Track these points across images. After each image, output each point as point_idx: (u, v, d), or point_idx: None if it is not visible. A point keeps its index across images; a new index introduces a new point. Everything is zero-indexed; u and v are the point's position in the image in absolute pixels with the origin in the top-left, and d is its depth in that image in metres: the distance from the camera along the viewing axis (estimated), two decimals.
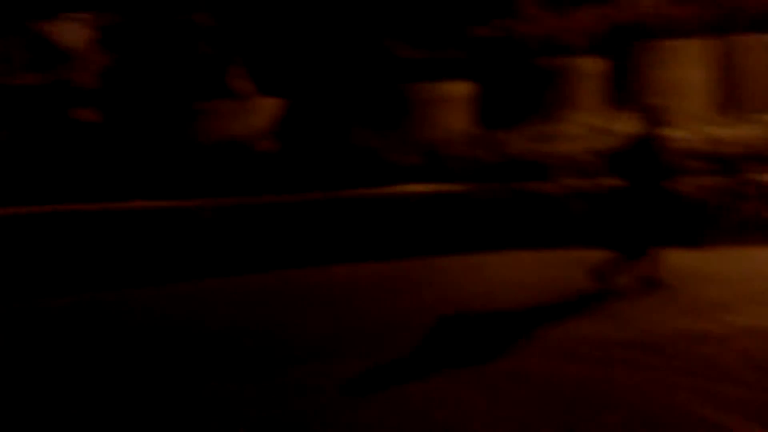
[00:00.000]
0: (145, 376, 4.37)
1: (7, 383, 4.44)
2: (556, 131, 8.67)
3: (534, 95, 10.47)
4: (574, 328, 4.92)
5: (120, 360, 4.76)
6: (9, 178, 8.47)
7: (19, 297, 6.74)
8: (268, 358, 4.63)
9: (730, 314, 5.15)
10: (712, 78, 11.14)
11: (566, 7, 11.07)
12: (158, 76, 10.13)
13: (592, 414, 3.47)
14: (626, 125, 8.79)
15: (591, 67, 10.80)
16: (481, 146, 8.50)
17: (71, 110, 9.88)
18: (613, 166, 7.88)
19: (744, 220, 8.05)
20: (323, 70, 10.73)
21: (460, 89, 10.35)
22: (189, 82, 10.07)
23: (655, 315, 5.21)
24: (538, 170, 7.96)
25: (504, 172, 8.00)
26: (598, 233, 7.82)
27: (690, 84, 10.82)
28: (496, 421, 3.40)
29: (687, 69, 10.94)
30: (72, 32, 10.79)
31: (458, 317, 5.25)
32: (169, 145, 8.96)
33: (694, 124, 8.39)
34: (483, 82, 10.70)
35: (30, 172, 8.60)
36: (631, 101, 10.13)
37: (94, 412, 3.83)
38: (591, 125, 8.80)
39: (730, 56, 11.19)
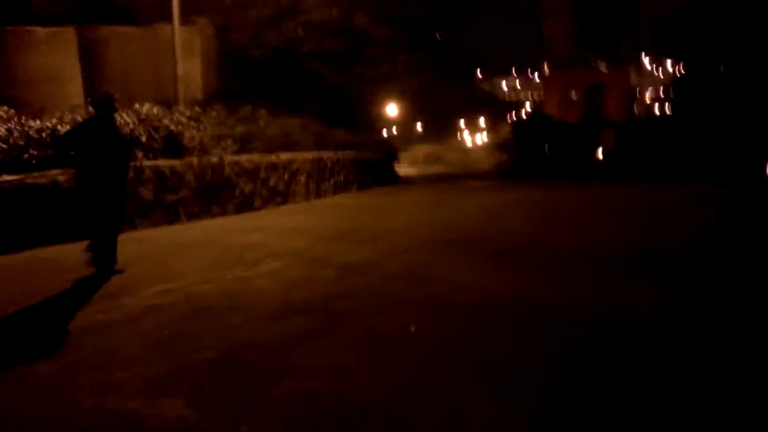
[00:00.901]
0: None
1: None
2: None
3: None
4: None
5: None
6: None
7: None
8: None
9: (126, 298, 5.34)
10: (83, 66, 11.18)
11: None
12: None
13: None
14: None
15: None
16: None
17: None
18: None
19: (145, 203, 8.60)
20: None
21: None
22: None
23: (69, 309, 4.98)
24: None
25: None
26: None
27: (61, 71, 10.57)
28: None
29: (56, 57, 10.63)
30: None
31: None
32: None
33: (71, 112, 8.28)
34: None
35: None
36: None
37: None
38: None
39: (98, 45, 11.45)
